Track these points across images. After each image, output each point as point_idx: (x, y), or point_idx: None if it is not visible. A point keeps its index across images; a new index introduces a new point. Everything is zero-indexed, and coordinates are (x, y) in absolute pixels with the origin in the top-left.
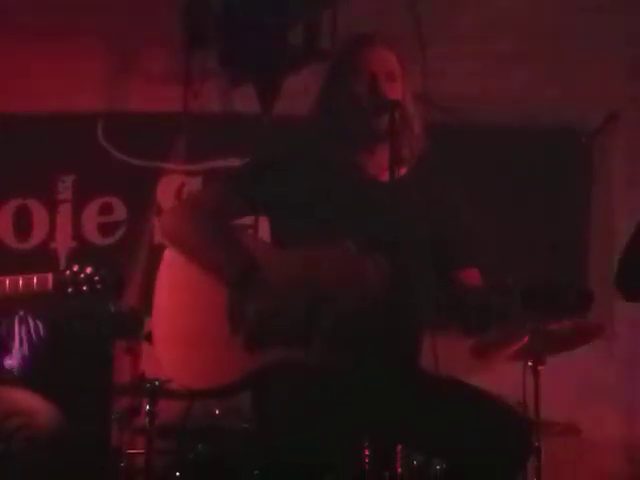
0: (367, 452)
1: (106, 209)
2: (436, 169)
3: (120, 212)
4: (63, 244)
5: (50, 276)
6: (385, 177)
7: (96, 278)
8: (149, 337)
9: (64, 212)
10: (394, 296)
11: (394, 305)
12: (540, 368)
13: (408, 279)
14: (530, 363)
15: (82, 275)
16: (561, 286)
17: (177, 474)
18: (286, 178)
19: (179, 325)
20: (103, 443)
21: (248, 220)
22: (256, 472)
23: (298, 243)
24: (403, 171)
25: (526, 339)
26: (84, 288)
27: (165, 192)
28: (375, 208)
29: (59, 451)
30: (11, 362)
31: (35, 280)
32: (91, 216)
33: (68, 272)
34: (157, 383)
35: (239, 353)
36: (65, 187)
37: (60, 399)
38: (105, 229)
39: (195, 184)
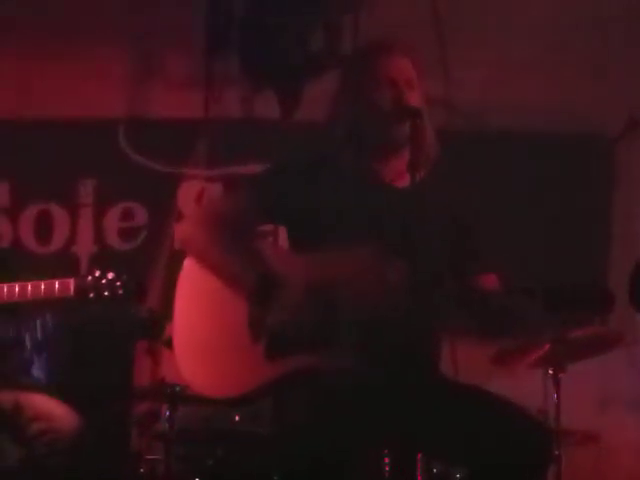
0: (387, 460)
1: (127, 214)
2: (452, 175)
3: (141, 217)
4: (84, 249)
5: (72, 281)
6: (401, 183)
7: (118, 283)
8: (169, 343)
9: (85, 216)
10: (413, 302)
11: (413, 311)
12: (561, 376)
13: (427, 285)
14: (551, 371)
15: (104, 280)
16: (582, 287)
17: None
18: (304, 185)
19: (199, 333)
20: (122, 448)
21: (268, 227)
22: (275, 478)
23: (316, 250)
24: (411, 178)
25: (547, 347)
26: (106, 293)
27: (186, 197)
28: (392, 214)
29: (79, 456)
30: (39, 372)
31: (57, 285)
32: (112, 221)
33: (90, 277)
34: (177, 389)
35: (260, 362)
36: (86, 192)
37: (80, 404)
38: (126, 234)
39: (215, 190)
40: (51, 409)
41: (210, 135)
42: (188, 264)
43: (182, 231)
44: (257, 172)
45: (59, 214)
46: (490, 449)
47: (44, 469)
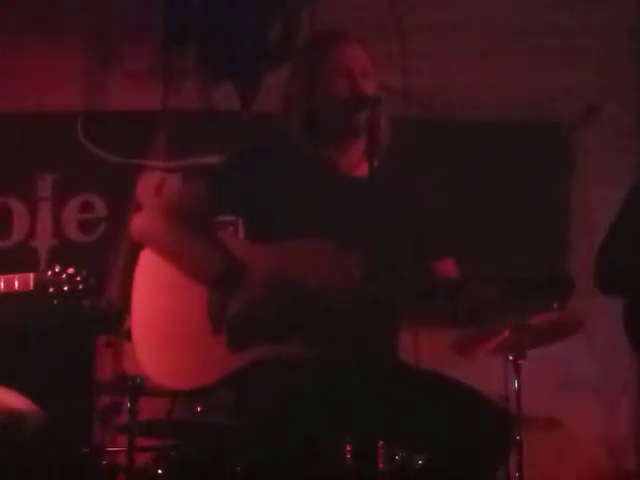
0: (349, 448)
1: (86, 207)
2: (408, 163)
3: (100, 209)
4: (43, 242)
5: (31, 276)
6: (357, 172)
7: (77, 278)
8: (129, 334)
9: (44, 210)
10: (373, 290)
11: (373, 299)
12: (521, 362)
13: (386, 272)
14: (511, 357)
15: (63, 275)
16: (542, 273)
17: (159, 472)
18: (261, 176)
19: (158, 325)
20: (85, 441)
21: (227, 217)
22: (238, 469)
23: (273, 240)
24: (369, 166)
25: (506, 333)
26: (65, 288)
27: (145, 189)
28: (351, 203)
29: (41, 450)
30: None
31: (16, 280)
32: (71, 214)
33: (50, 272)
34: (138, 380)
35: (221, 353)
36: (45, 185)
37: (41, 398)
38: (85, 226)
39: (175, 181)
40: (12, 403)
41: (169, 126)
42: (145, 256)
43: (140, 223)
44: (215, 163)
45: (18, 208)
46: (451, 434)
47: (5, 463)
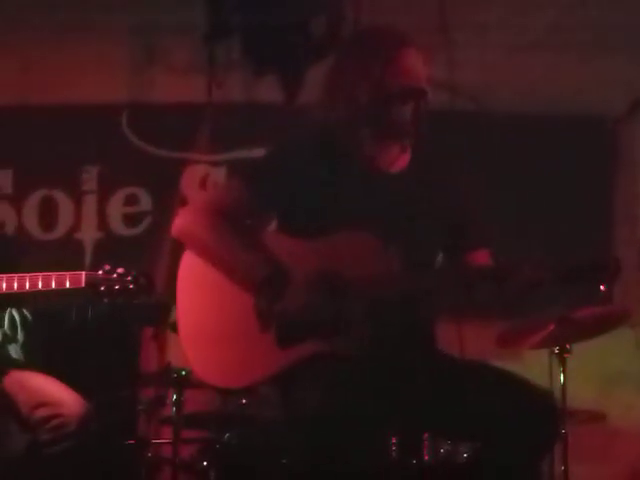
0: (394, 440)
1: (131, 200)
2: (442, 155)
3: (145, 203)
4: (88, 235)
5: (83, 275)
6: (395, 168)
7: (128, 278)
8: (174, 327)
9: (89, 203)
10: (411, 283)
11: (411, 292)
12: (566, 355)
13: (423, 265)
14: (556, 350)
15: (115, 275)
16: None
17: (204, 464)
18: (300, 171)
19: (206, 324)
20: (130, 433)
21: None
22: (284, 461)
23: (313, 236)
24: (408, 159)
25: (552, 326)
26: (116, 287)
27: (189, 182)
28: (388, 199)
29: (86, 442)
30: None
31: (68, 278)
32: (116, 207)
33: (101, 271)
34: (183, 373)
35: (270, 351)
36: (90, 178)
37: (87, 389)
38: (130, 220)
39: (219, 174)
40: (58, 394)
41: (213, 120)
42: (189, 253)
43: (181, 224)
44: (256, 159)
45: (63, 201)
46: (496, 424)
47: (50, 455)
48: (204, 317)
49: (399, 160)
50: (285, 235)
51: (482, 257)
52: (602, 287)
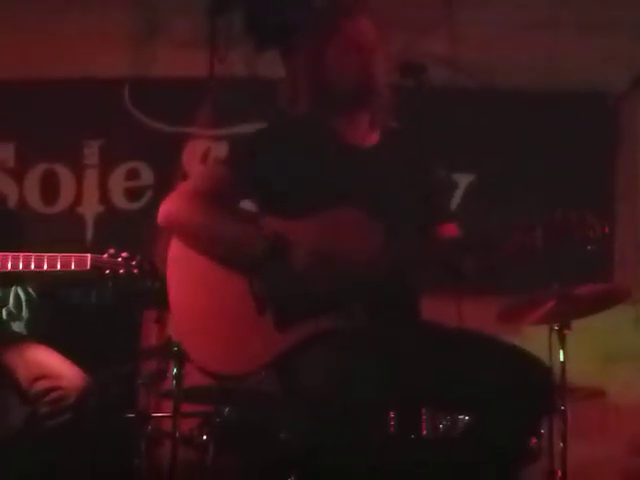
0: (392, 415)
1: (133, 174)
2: (409, 131)
3: (147, 177)
4: (90, 209)
5: (89, 257)
6: (366, 143)
7: (133, 262)
8: None
9: (91, 177)
10: (393, 256)
11: (398, 264)
12: (566, 332)
13: (401, 239)
14: (556, 327)
15: (120, 258)
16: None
17: (204, 438)
18: (278, 152)
19: (199, 310)
20: (129, 407)
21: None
22: (282, 435)
23: (298, 215)
24: (378, 136)
25: (552, 303)
26: (121, 271)
27: (191, 157)
28: (363, 174)
29: (85, 415)
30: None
31: (73, 260)
32: (118, 181)
33: (106, 255)
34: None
35: (269, 333)
36: (92, 152)
37: (87, 363)
38: (132, 194)
39: (221, 149)
40: (57, 367)
41: (215, 94)
42: (175, 244)
43: (167, 210)
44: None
45: (64, 174)
46: (489, 388)
47: (49, 428)
48: (197, 303)
49: (370, 136)
50: (269, 216)
51: (450, 229)
52: (588, 247)
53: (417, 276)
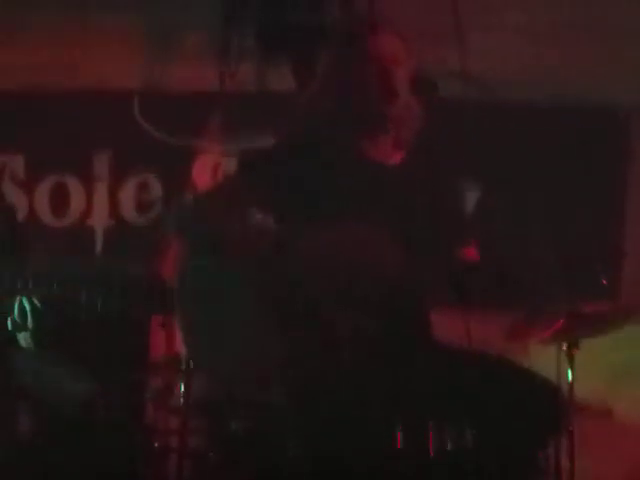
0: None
1: (142, 187)
2: (435, 151)
3: (156, 190)
4: (100, 222)
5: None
6: (389, 160)
7: (141, 278)
8: None
9: (101, 189)
10: (407, 273)
11: (407, 281)
12: (575, 352)
13: (418, 256)
14: (564, 347)
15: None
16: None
17: (211, 453)
18: (297, 165)
19: (205, 311)
20: (137, 421)
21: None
22: (290, 450)
23: (313, 228)
24: (402, 154)
25: (561, 322)
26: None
27: (201, 171)
28: (383, 191)
29: (94, 429)
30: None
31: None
32: (128, 194)
33: (114, 270)
34: (191, 362)
35: (273, 337)
36: (102, 164)
37: (96, 375)
38: (141, 207)
39: (230, 163)
40: (67, 379)
41: (225, 108)
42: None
43: (178, 218)
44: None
45: (74, 187)
46: (498, 409)
47: (57, 441)
48: (203, 302)
49: (394, 155)
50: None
51: (470, 253)
52: (604, 281)
53: (430, 296)
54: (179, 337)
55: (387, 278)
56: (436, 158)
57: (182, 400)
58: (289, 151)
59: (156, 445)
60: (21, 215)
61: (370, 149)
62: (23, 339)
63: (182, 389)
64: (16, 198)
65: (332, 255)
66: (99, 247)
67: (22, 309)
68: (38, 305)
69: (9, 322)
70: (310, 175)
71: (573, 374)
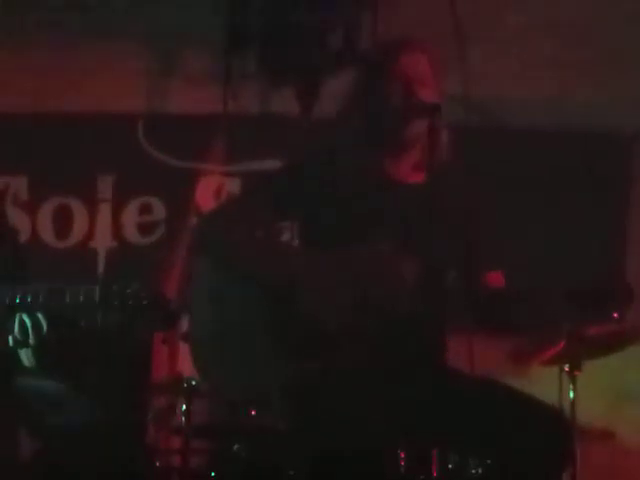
0: (402, 455)
1: (145, 209)
2: (466, 172)
3: (159, 212)
4: (103, 243)
5: (97, 289)
6: (410, 181)
7: (142, 294)
8: (185, 337)
9: (104, 211)
10: (424, 296)
11: (423, 305)
12: (577, 373)
13: (437, 279)
14: (567, 369)
15: (129, 290)
16: (600, 284)
17: (213, 474)
18: (317, 183)
19: (219, 334)
20: (139, 441)
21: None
22: (291, 473)
23: (329, 246)
24: (424, 174)
25: (563, 344)
26: (130, 302)
27: (204, 193)
28: (404, 211)
29: (95, 449)
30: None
31: (82, 293)
32: (131, 216)
33: (115, 286)
34: (193, 382)
35: (283, 362)
36: (105, 186)
37: (98, 396)
38: (144, 229)
39: (234, 185)
40: (68, 400)
41: (228, 131)
42: (202, 263)
43: (198, 231)
44: (272, 172)
45: (78, 209)
46: (507, 441)
47: (59, 462)
48: (218, 327)
49: (414, 175)
50: (300, 244)
51: (496, 279)
52: (615, 315)
53: (443, 323)
54: (186, 349)
55: (405, 299)
56: (461, 181)
57: (184, 420)
58: (313, 171)
59: (158, 464)
60: (24, 236)
61: (391, 166)
62: (25, 356)
63: (184, 409)
64: (19, 219)
65: (348, 280)
66: (101, 268)
67: (23, 325)
68: (40, 320)
69: (10, 339)
70: (334, 195)
71: (575, 396)
